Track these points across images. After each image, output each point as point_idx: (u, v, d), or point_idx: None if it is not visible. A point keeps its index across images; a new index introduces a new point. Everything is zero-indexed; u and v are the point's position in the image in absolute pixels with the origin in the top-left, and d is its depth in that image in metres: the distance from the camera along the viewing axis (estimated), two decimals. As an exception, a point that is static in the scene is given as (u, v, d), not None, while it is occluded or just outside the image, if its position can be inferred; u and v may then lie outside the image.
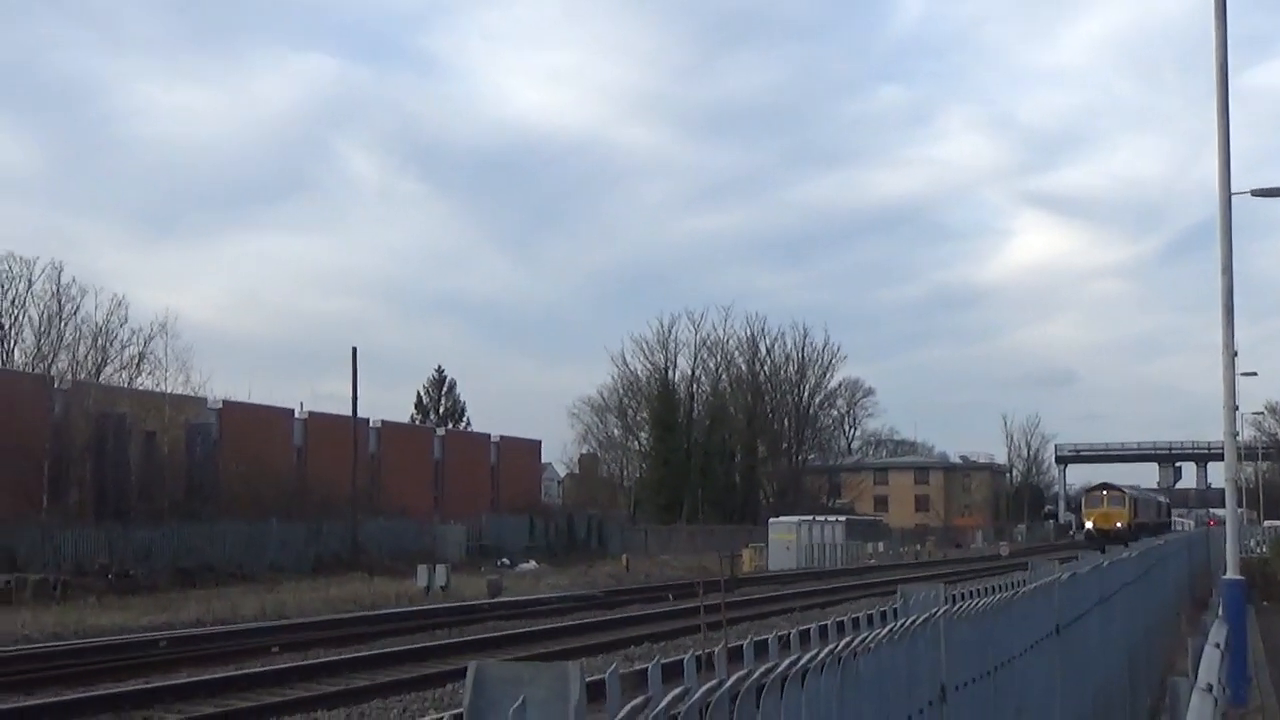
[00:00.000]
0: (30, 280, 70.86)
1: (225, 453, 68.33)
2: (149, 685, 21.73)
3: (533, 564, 68.50)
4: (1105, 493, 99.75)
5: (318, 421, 78.28)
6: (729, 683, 2.84)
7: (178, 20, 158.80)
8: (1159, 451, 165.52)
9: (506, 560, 69.72)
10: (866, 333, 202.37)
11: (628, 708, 2.39)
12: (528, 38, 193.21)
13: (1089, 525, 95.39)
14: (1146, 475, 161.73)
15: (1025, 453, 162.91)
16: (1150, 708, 15.16)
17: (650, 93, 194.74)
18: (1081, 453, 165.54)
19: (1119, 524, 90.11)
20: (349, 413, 67.59)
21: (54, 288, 70.52)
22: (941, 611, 5.11)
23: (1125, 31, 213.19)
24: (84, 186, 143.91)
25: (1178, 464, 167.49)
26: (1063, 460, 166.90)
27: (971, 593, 6.01)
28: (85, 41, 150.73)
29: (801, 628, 3.66)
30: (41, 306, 70.78)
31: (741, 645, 3.11)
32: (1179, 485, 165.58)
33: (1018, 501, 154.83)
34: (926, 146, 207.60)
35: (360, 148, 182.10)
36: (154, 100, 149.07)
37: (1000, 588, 6.60)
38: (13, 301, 71.04)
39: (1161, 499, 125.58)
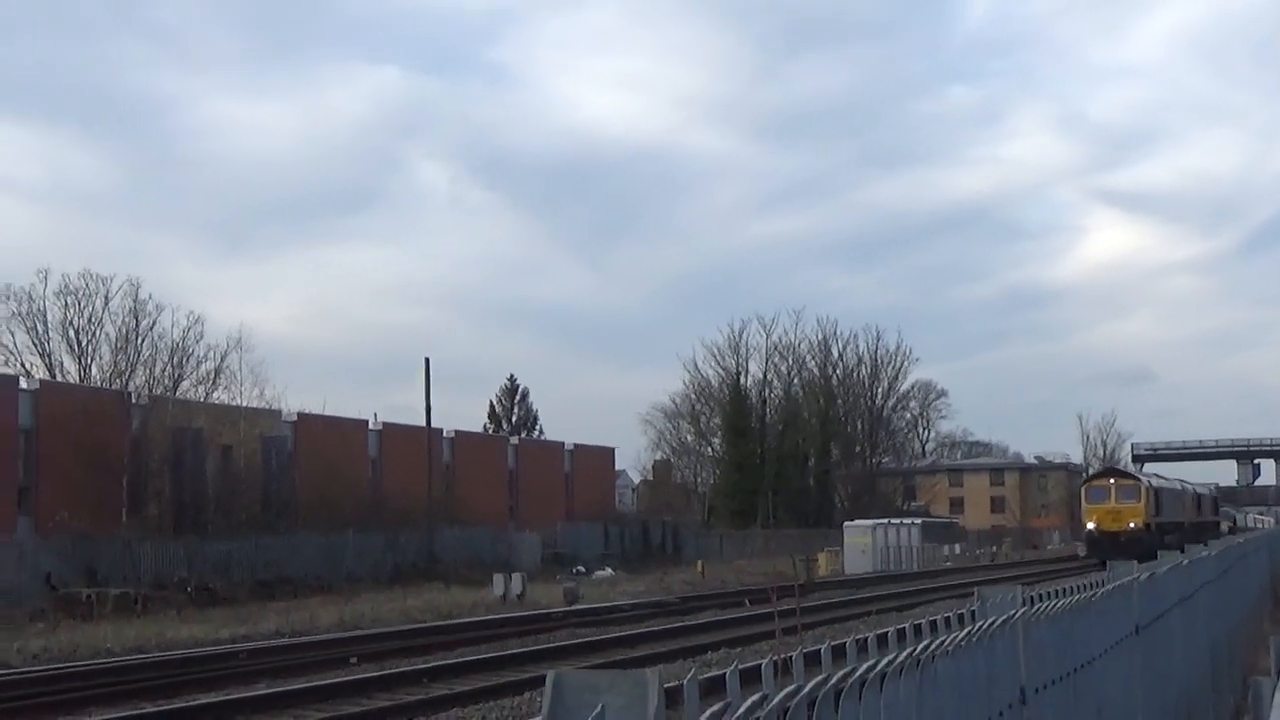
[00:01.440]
0: (107, 297, 71.68)
1: (301, 465, 68.74)
2: (229, 697, 21.91)
3: (608, 571, 68.53)
4: (1112, 482, 72.75)
5: (392, 432, 78.59)
6: (807, 688, 2.84)
7: (250, 37, 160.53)
8: (1237, 448, 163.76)
9: (582, 568, 69.74)
10: (939, 334, 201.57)
11: (706, 714, 2.40)
12: (595, 45, 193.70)
13: (1090, 527, 71.92)
14: (1225, 472, 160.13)
15: (1101, 452, 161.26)
16: (1234, 707, 15.00)
17: (719, 97, 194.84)
18: (1159, 450, 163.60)
19: (1132, 524, 67.79)
20: (423, 423, 67.77)
21: (131, 304, 71.28)
22: (1019, 613, 5.08)
23: (1197, 25, 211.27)
24: (159, 203, 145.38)
25: (1256, 460, 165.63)
26: (1139, 459, 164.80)
27: (1049, 594, 5.96)
28: (159, 59, 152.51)
29: (879, 631, 3.66)
30: (119, 323, 71.57)
31: (819, 650, 3.11)
32: (1258, 482, 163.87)
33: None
34: (997, 145, 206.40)
35: (430, 158, 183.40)
36: (227, 116, 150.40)
37: (1078, 588, 6.55)
38: (89, 319, 71.88)
39: (1204, 491, 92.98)
